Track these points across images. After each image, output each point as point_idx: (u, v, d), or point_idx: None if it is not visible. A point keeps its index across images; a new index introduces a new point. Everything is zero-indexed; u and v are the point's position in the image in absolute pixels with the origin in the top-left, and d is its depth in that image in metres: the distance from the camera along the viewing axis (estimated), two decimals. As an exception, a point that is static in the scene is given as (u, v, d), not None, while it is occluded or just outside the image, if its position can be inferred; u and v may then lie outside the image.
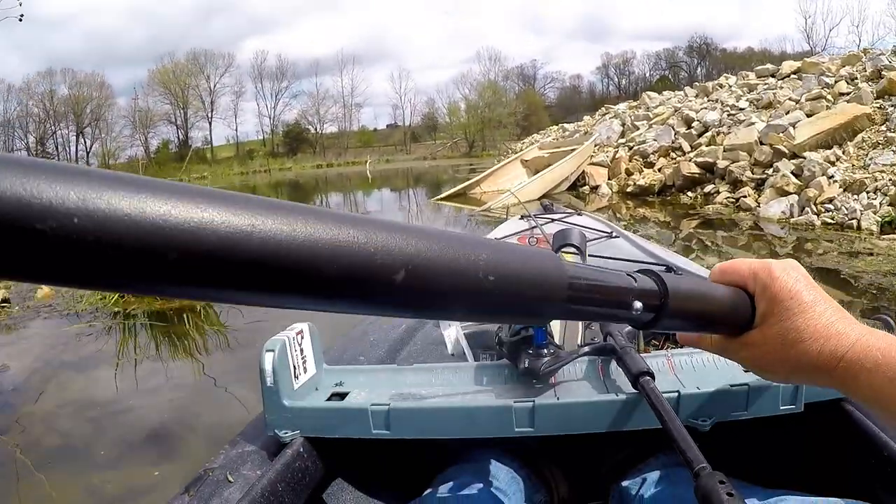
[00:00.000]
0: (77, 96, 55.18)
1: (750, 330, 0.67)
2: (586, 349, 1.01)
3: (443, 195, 14.57)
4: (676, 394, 0.91)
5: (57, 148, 55.84)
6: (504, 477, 1.01)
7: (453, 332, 1.45)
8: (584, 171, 14.13)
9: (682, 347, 1.11)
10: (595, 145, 15.34)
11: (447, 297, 0.42)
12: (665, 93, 20.30)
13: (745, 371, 0.79)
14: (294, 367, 1.01)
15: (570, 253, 1.18)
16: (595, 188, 13.46)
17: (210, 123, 61.26)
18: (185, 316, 5.47)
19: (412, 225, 0.41)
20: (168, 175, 53.03)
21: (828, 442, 1.02)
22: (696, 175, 11.16)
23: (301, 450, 1.00)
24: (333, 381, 1.08)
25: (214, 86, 60.71)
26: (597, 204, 12.20)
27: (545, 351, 0.97)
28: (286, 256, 0.34)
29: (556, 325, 1.09)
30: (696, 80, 20.81)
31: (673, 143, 13.13)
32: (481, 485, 0.97)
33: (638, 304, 0.54)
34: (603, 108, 22.16)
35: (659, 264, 1.89)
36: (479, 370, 1.07)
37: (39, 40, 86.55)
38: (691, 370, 1.01)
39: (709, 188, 10.71)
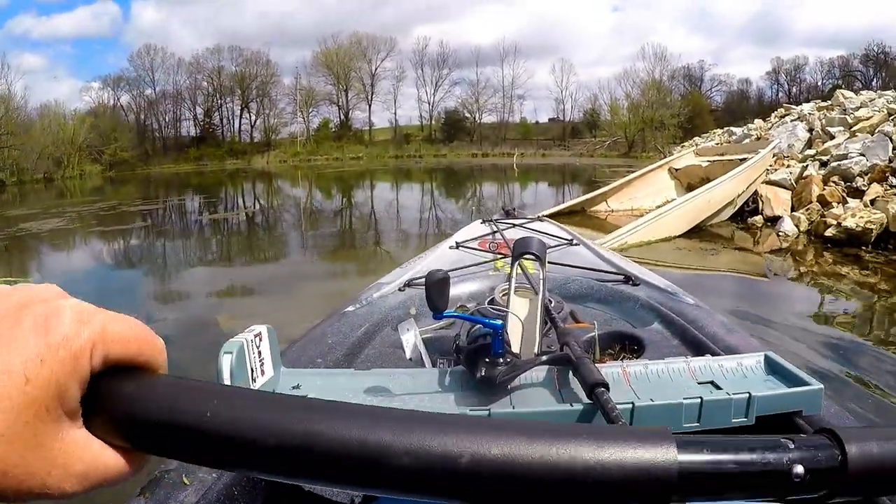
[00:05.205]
0: (243, 73, 57.92)
1: None
2: (543, 359, 0.96)
3: (551, 210, 9.99)
4: (631, 405, 0.87)
5: (222, 121, 59.46)
6: None
7: (412, 336, 1.26)
8: (756, 192, 9.18)
9: (637, 358, 1.31)
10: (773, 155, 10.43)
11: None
12: (864, 92, 14.97)
13: (700, 383, 0.92)
14: (252, 369, 0.94)
15: (530, 260, 1.17)
16: (773, 221, 8.45)
17: (370, 106, 61.78)
18: None
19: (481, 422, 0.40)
20: (325, 153, 55.86)
21: None
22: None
23: None
24: (291, 383, 1.01)
25: (376, 69, 61.12)
26: (771, 243, 7.57)
27: (502, 360, 0.91)
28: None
29: (514, 334, 1.05)
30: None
31: (891, 161, 8.33)
32: None
33: (799, 470, 0.42)
34: (781, 109, 16.82)
35: (617, 273, 1.97)
36: (437, 376, 1.01)
37: (212, 18, 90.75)
38: (646, 381, 0.96)
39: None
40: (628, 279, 1.91)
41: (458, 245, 2.56)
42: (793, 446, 0.42)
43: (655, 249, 7.19)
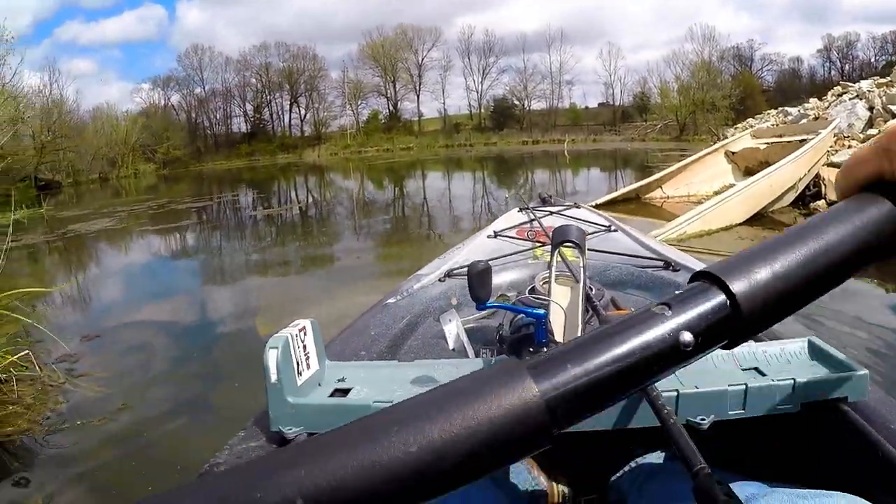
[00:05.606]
0: (291, 68, 58.39)
1: None
2: None
3: (605, 198, 9.85)
4: (675, 393, 0.87)
5: (272, 116, 60.16)
6: (505, 469, 1.01)
7: (454, 327, 1.40)
8: (818, 175, 8.76)
9: None
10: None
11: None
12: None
13: (744, 370, 0.91)
14: (297, 363, 0.96)
15: (570, 248, 1.15)
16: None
17: (418, 96, 61.61)
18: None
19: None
20: (375, 144, 56.28)
21: (823, 441, 0.97)
22: None
23: None
24: (336, 376, 1.04)
25: (422, 60, 60.84)
26: None
27: (545, 349, 0.88)
28: None
29: (556, 322, 1.08)
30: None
31: (962, 139, 7.82)
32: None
33: (687, 338, 0.38)
34: (838, 87, 16.27)
35: (657, 258, 1.95)
36: (481, 366, 1.00)
37: (256, 16, 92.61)
38: (689, 368, 0.80)
39: None
40: (668, 265, 1.90)
41: (496, 234, 2.56)
42: (670, 313, 0.38)
43: (717, 239, 6.88)
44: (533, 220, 2.69)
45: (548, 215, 2.79)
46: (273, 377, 0.92)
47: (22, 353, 3.87)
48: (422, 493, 0.34)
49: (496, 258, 2.00)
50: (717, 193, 8.26)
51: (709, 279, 0.40)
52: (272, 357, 0.91)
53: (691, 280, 0.42)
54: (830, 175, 8.57)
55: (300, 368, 0.97)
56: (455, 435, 0.33)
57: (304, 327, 1.00)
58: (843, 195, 0.47)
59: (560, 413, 0.35)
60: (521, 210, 3.06)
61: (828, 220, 0.43)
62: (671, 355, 0.38)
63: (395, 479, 0.33)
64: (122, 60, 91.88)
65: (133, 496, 2.59)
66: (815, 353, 0.97)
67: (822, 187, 8.58)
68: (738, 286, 0.39)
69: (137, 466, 2.79)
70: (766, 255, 0.41)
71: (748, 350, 0.98)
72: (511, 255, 2.10)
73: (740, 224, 7.48)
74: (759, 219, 7.79)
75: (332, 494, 0.32)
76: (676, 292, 0.40)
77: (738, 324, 0.39)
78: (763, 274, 0.40)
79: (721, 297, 0.39)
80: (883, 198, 0.44)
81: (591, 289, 1.37)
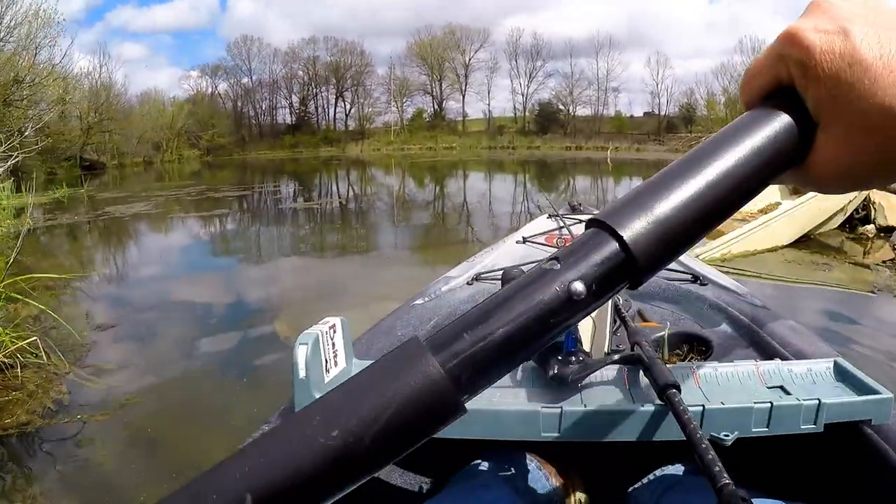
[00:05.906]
0: (338, 63, 59.19)
1: (814, 141, 0.42)
2: (615, 358, 0.96)
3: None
4: (701, 408, 0.86)
5: (317, 109, 60.98)
6: (524, 475, 1.02)
7: None
8: (867, 199, 8.32)
9: (705, 359, 1.29)
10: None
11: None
12: None
13: (769, 388, 0.90)
14: (326, 360, 0.98)
15: None
16: (887, 231, 7.67)
17: (463, 96, 61.68)
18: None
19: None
20: (418, 142, 56.76)
21: (845, 463, 1.00)
22: None
23: None
24: None
25: (469, 60, 60.94)
26: (882, 256, 6.83)
27: (573, 358, 0.94)
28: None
29: (585, 332, 1.10)
30: None
31: None
32: (501, 481, 0.98)
33: (578, 287, 0.38)
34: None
35: (685, 272, 1.95)
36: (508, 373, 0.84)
37: (306, 9, 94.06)
38: (715, 384, 0.95)
39: None
40: (696, 278, 1.89)
41: (524, 240, 2.55)
42: (559, 266, 0.39)
43: (761, 260, 6.57)
44: (562, 227, 2.69)
45: (577, 223, 2.76)
46: (301, 373, 0.92)
47: (30, 340, 3.79)
48: (351, 473, 0.35)
49: (524, 264, 1.90)
50: (762, 211, 7.98)
51: (598, 225, 0.40)
52: (302, 353, 0.91)
53: (588, 225, 0.41)
54: (882, 200, 8.23)
55: (328, 366, 0.98)
56: (369, 418, 0.35)
57: (334, 325, 1.01)
58: (748, 97, 0.45)
59: (464, 380, 0.36)
60: (550, 217, 3.02)
61: (723, 140, 0.42)
62: (565, 307, 0.38)
63: (324, 463, 0.34)
64: (172, 47, 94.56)
65: (125, 501, 2.46)
66: (841, 374, 0.95)
67: (872, 211, 8.20)
68: (627, 228, 0.38)
69: (137, 469, 2.69)
70: (655, 190, 0.40)
71: (774, 368, 0.97)
72: (539, 261, 2.02)
73: (786, 246, 7.19)
74: (804, 241, 7.47)
75: (275, 487, 0.34)
76: (566, 249, 0.40)
77: (632, 265, 0.38)
78: (655, 211, 0.39)
79: (611, 243, 0.39)
80: (779, 108, 0.42)
81: (619, 299, 1.36)
